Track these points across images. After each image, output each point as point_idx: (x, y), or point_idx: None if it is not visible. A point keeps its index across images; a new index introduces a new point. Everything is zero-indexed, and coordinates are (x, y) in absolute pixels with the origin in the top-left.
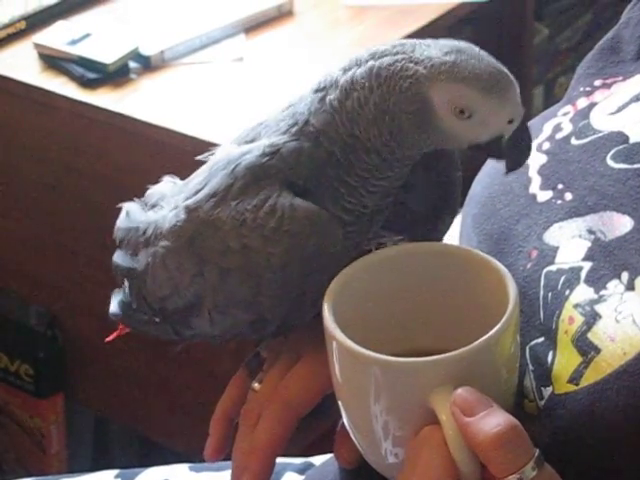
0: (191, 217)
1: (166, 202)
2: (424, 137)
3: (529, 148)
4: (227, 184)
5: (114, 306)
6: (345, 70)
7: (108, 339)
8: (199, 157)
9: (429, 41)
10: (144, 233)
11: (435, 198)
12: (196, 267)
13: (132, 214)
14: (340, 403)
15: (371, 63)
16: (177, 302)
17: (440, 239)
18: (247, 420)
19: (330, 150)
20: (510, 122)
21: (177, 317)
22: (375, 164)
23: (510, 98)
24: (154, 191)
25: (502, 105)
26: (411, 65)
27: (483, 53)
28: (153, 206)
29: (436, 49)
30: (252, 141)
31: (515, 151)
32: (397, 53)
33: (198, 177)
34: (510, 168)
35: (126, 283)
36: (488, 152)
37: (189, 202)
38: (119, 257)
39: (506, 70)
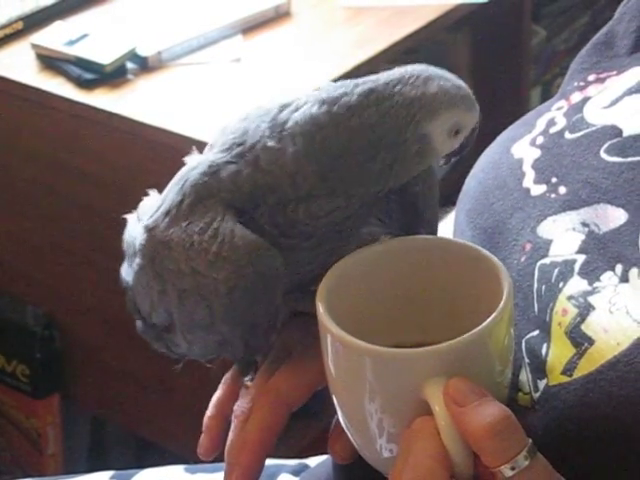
0: (150, 236)
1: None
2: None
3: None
4: (177, 201)
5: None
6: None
7: None
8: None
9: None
10: (128, 249)
11: (407, 214)
12: (159, 285)
13: (130, 227)
14: (334, 398)
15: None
16: (158, 318)
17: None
18: (239, 416)
19: (270, 182)
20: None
21: (164, 334)
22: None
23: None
24: (143, 204)
25: (475, 115)
26: (402, 111)
27: (439, 69)
28: (139, 220)
29: (408, 85)
30: (212, 148)
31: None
32: (372, 103)
33: (166, 190)
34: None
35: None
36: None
37: (149, 221)
38: (124, 270)
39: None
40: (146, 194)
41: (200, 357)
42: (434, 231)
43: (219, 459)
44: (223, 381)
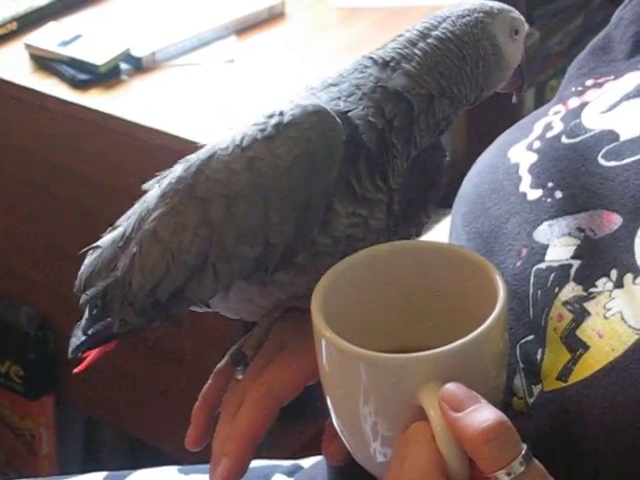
0: (188, 170)
1: (132, 214)
2: (493, 77)
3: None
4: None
5: (74, 344)
6: (401, 47)
7: (76, 370)
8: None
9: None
10: (122, 237)
11: (422, 184)
12: (199, 215)
13: (97, 251)
14: (328, 401)
15: (437, 33)
16: (174, 279)
17: (423, 225)
18: (228, 408)
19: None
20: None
21: (173, 299)
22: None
23: None
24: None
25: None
26: (476, 15)
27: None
28: (114, 228)
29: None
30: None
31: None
32: (443, 20)
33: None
34: (529, 80)
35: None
36: (521, 73)
37: (179, 168)
38: (90, 294)
39: None
40: (139, 194)
41: (216, 306)
42: (433, 210)
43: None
44: (214, 373)
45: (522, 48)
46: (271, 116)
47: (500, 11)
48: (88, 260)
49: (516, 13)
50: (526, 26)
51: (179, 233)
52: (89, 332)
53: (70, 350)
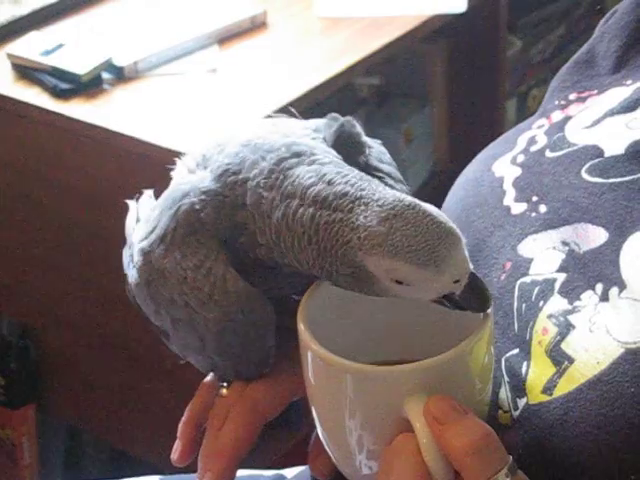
0: (146, 261)
1: (141, 224)
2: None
3: (485, 294)
4: (172, 228)
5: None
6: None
7: None
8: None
9: (374, 186)
10: (130, 248)
11: None
12: (154, 306)
13: (129, 220)
14: (314, 414)
15: (312, 211)
16: (156, 323)
17: None
18: (213, 423)
19: (245, 224)
20: (456, 282)
21: (162, 335)
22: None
23: (450, 264)
24: (142, 201)
25: (441, 274)
26: (347, 231)
27: (426, 211)
28: (139, 220)
29: (374, 210)
30: (207, 161)
31: (472, 300)
32: (336, 209)
33: (157, 208)
34: (476, 311)
35: None
36: (443, 304)
37: (145, 244)
38: (125, 256)
39: (449, 227)
40: (121, 204)
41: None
42: None
43: (194, 469)
44: (199, 389)
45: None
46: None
47: (386, 253)
48: (131, 213)
49: (414, 262)
50: (429, 281)
51: (146, 305)
52: None
53: None
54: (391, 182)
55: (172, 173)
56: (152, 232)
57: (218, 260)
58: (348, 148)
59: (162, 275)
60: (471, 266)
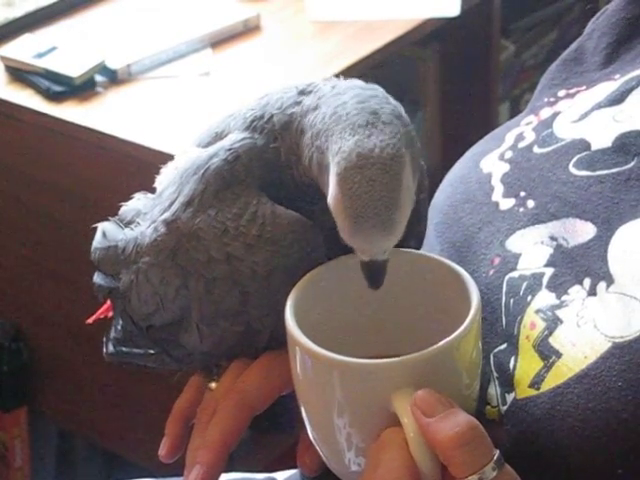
0: (171, 230)
1: (142, 218)
2: None
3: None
4: (200, 190)
5: (109, 347)
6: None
7: (89, 320)
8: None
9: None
10: (124, 251)
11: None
12: (180, 280)
13: (109, 234)
14: (303, 410)
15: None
16: (164, 317)
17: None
18: (202, 417)
19: (279, 151)
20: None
21: (165, 335)
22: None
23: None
24: (128, 208)
25: (352, 235)
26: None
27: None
28: (129, 223)
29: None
30: (221, 133)
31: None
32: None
33: (170, 187)
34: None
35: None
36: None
37: (166, 215)
38: (99, 278)
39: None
40: (114, 206)
41: (209, 357)
42: (417, 246)
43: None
44: (188, 384)
45: None
46: (241, 215)
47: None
48: (106, 230)
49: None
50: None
51: (164, 285)
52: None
53: (105, 354)
54: None
55: (164, 168)
56: (171, 205)
57: (261, 202)
58: None
59: (194, 237)
60: (380, 257)
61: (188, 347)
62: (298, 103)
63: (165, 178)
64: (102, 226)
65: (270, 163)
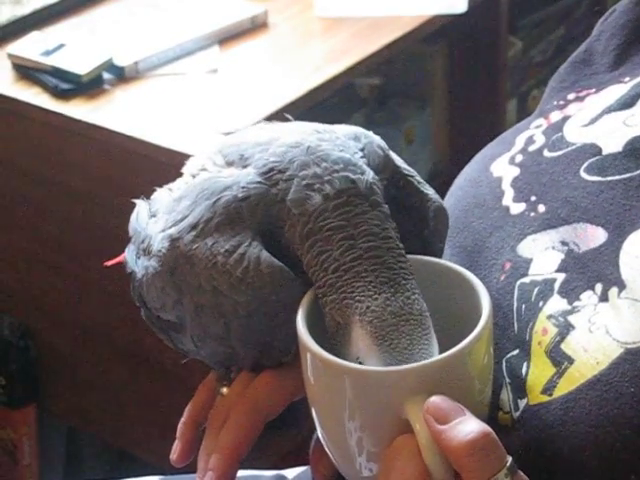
0: (173, 247)
1: (160, 216)
2: None
3: None
4: (207, 218)
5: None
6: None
7: (108, 263)
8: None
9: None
10: (143, 242)
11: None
12: (177, 294)
13: (140, 216)
14: (314, 416)
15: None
16: (168, 316)
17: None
18: (214, 423)
19: (283, 211)
20: None
21: (171, 330)
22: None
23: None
24: (157, 197)
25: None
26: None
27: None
28: (153, 215)
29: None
30: (245, 160)
31: None
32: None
33: (187, 199)
34: None
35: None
36: None
37: (173, 230)
38: (129, 253)
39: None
40: (122, 204)
41: (205, 359)
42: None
43: (194, 469)
44: (199, 388)
45: None
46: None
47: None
48: (139, 212)
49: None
50: None
51: (165, 295)
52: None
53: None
54: (421, 181)
55: (186, 166)
56: (182, 220)
57: (252, 245)
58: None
59: (189, 261)
60: None
61: (187, 348)
62: (315, 190)
63: (184, 184)
64: (138, 205)
65: (274, 216)
